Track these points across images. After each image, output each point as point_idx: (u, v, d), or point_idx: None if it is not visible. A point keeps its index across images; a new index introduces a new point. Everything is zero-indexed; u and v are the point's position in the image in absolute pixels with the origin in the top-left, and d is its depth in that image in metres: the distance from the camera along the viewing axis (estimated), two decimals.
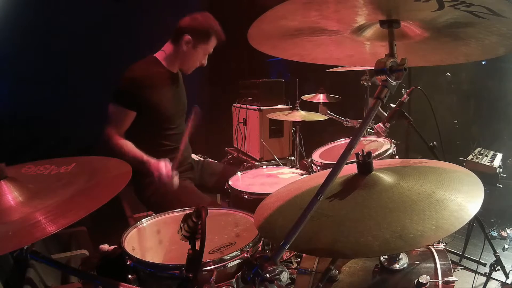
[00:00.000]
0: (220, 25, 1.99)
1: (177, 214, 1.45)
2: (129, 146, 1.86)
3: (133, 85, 1.86)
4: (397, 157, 2.10)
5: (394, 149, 2.06)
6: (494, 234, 2.91)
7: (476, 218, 1.93)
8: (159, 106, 1.94)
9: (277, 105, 3.63)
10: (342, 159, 0.74)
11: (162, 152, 1.97)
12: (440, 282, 1.02)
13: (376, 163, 0.99)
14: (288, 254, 1.99)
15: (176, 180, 1.73)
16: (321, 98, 3.48)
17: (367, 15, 0.83)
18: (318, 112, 3.06)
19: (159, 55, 2.02)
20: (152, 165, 1.76)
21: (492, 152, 2.64)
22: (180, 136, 2.12)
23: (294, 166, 2.93)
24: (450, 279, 1.02)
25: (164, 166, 1.72)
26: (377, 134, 2.11)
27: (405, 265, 1.10)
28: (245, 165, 3.35)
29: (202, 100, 4.69)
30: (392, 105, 2.01)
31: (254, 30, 0.88)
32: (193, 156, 2.32)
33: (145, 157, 1.81)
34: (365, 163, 0.95)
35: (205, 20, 1.95)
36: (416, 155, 3.19)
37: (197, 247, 0.86)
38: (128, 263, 1.09)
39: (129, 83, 1.87)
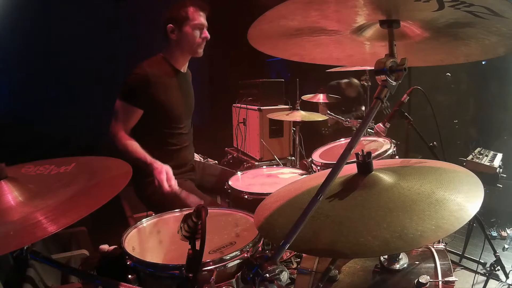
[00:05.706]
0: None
1: (177, 214, 1.45)
2: (134, 146, 1.84)
3: (142, 82, 1.85)
4: (397, 157, 2.10)
5: (394, 149, 2.05)
6: (494, 234, 2.91)
7: (476, 218, 1.94)
8: (166, 104, 1.93)
9: (277, 105, 3.63)
10: (342, 159, 0.74)
11: (167, 151, 1.96)
12: (440, 282, 1.02)
13: (376, 163, 0.99)
14: (288, 254, 1.99)
15: (175, 188, 1.73)
16: (321, 98, 3.48)
17: (367, 15, 0.83)
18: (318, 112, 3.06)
19: (164, 53, 2.02)
20: (156, 171, 1.74)
21: (492, 152, 2.63)
22: (186, 137, 2.11)
23: (294, 166, 2.93)
24: (450, 279, 1.02)
25: (165, 177, 1.71)
26: (377, 134, 2.10)
27: (405, 265, 1.10)
28: (245, 165, 3.35)
29: (202, 100, 4.69)
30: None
31: (254, 30, 0.88)
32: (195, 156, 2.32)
33: (149, 159, 1.79)
34: (365, 163, 0.95)
35: (176, 3, 1.92)
36: (416, 155, 3.19)
37: (197, 247, 0.86)
38: (128, 263, 1.08)
39: (138, 80, 1.85)
